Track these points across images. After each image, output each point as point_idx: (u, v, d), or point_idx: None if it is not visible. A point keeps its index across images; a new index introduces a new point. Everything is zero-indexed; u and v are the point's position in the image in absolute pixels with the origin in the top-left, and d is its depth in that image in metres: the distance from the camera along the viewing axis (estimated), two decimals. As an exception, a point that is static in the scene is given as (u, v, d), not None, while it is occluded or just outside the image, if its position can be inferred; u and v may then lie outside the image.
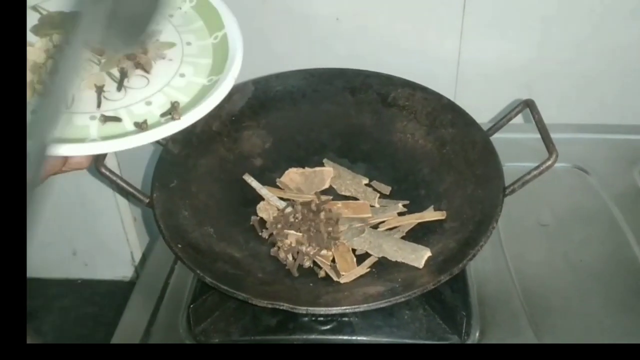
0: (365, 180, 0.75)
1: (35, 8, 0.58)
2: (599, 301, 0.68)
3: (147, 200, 0.65)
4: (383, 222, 0.69)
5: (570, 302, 0.68)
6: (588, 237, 0.75)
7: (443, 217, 0.68)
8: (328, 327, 0.64)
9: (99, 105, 0.51)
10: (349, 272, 0.63)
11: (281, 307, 0.56)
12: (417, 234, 0.68)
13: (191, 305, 0.64)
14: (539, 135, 0.66)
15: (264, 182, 0.74)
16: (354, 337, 0.63)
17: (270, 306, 0.56)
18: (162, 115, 0.52)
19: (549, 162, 0.62)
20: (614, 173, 0.84)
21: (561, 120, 0.86)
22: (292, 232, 0.67)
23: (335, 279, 0.63)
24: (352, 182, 0.74)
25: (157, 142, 0.71)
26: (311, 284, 0.63)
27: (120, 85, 0.52)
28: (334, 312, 0.56)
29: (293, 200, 0.71)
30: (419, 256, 0.63)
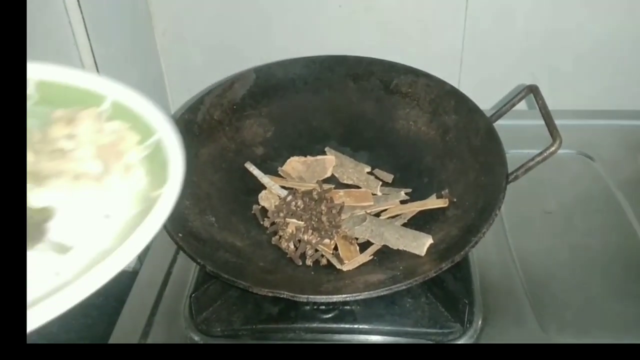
0: (368, 169, 0.74)
1: None
2: (603, 289, 0.67)
3: (147, 190, 0.64)
4: (385, 210, 0.69)
5: (574, 289, 0.67)
6: (593, 224, 0.75)
7: (446, 205, 0.67)
8: (330, 315, 0.63)
9: None
10: (352, 260, 0.63)
11: (282, 296, 0.55)
12: (419, 222, 0.67)
13: (193, 295, 0.64)
14: (542, 122, 0.65)
15: (265, 171, 0.73)
16: (355, 325, 0.63)
17: (270, 295, 0.55)
18: None
19: (553, 148, 0.61)
20: (619, 159, 0.83)
21: (565, 106, 0.86)
22: (294, 220, 0.67)
23: (338, 266, 0.63)
24: (354, 171, 0.74)
25: None
26: (312, 273, 0.63)
27: None
28: (335, 300, 0.56)
29: (295, 189, 0.71)
30: (420, 244, 0.62)
